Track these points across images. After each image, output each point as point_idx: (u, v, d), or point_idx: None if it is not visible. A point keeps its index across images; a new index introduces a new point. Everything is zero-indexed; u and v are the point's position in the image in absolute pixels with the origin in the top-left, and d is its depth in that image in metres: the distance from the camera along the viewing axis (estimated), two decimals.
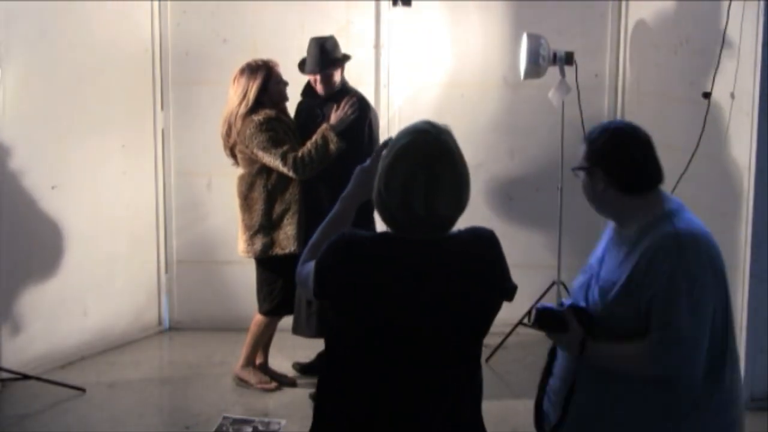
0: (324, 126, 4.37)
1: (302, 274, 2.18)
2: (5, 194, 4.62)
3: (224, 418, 4.30)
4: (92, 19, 5.08)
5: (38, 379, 4.63)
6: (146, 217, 5.55)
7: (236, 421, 4.28)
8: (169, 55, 5.49)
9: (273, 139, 4.32)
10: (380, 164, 2.06)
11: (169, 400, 4.61)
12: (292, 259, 4.43)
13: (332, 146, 4.32)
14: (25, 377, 4.61)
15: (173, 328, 5.68)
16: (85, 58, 5.05)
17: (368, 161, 2.27)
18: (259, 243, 4.44)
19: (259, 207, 4.43)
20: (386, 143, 2.16)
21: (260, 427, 4.24)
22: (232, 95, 4.43)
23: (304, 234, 4.38)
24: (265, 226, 4.42)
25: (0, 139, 4.58)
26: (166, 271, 5.67)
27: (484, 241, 2.07)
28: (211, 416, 4.37)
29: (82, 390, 4.62)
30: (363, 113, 4.47)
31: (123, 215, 5.36)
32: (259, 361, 4.70)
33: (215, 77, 5.34)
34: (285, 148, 4.32)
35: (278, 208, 4.42)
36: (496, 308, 2.07)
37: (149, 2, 5.42)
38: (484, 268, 2.05)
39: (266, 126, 4.33)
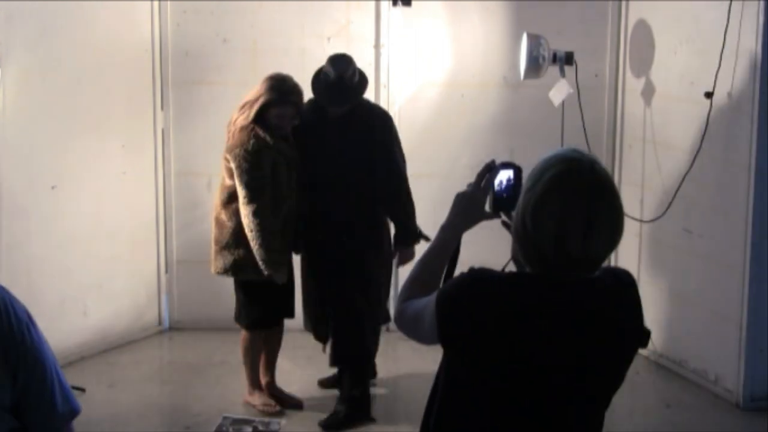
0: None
1: (407, 314, 1.93)
2: (5, 194, 4.62)
3: (224, 418, 4.30)
4: (92, 19, 5.08)
5: None
6: (146, 217, 5.54)
7: (236, 421, 4.27)
8: (169, 55, 5.49)
9: (252, 176, 4.02)
10: (523, 195, 1.79)
11: (169, 400, 4.61)
12: (265, 280, 4.16)
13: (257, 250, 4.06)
14: None
15: (173, 328, 5.68)
16: (85, 58, 5.05)
17: (468, 187, 2.01)
18: (219, 261, 4.21)
19: (230, 225, 4.17)
20: (490, 166, 1.98)
21: (260, 427, 4.23)
22: (246, 96, 4.14)
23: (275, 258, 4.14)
24: (228, 245, 4.18)
25: (0, 139, 4.58)
26: (166, 271, 5.67)
27: (625, 284, 1.85)
28: (211, 416, 4.37)
29: (82, 390, 4.61)
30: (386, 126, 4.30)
31: (123, 215, 5.36)
32: (265, 380, 4.49)
33: (215, 77, 5.34)
34: (252, 194, 4.02)
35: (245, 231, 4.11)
36: (633, 359, 1.87)
37: (149, 2, 5.42)
38: (626, 316, 1.83)
39: (253, 157, 4.02)
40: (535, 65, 4.92)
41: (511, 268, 1.85)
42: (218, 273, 4.27)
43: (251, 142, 4.04)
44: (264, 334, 4.40)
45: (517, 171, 1.97)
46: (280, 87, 4.08)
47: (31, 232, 4.82)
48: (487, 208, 2.00)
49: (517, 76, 5.11)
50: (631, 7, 5.33)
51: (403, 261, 4.33)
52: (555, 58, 4.93)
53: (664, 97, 5.03)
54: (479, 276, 1.79)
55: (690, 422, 4.47)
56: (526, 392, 1.78)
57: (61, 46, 4.91)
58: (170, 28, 5.47)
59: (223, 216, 4.21)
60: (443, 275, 2.00)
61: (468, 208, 1.99)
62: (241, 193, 4.07)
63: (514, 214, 1.84)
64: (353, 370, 4.30)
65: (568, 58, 4.97)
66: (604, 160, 5.43)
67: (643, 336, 1.86)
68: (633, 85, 5.31)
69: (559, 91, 4.98)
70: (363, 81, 4.22)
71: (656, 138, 5.11)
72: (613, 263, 5.33)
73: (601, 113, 5.46)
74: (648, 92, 5.15)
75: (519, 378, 1.78)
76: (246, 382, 4.47)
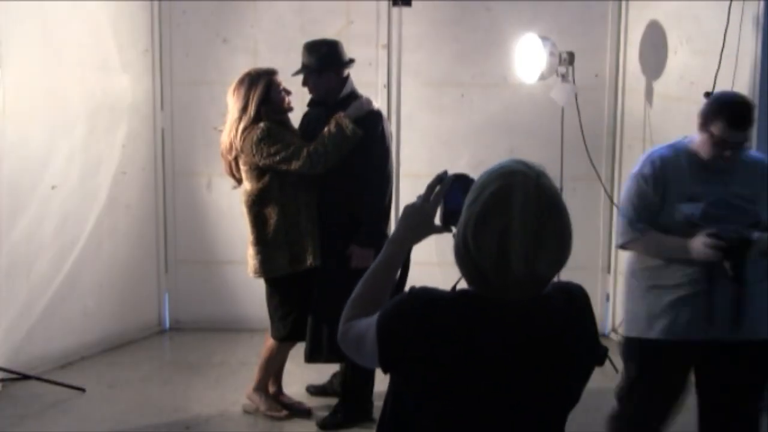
0: (338, 114, 4.06)
1: (350, 336, 1.82)
2: (5, 194, 4.62)
3: None
4: (92, 19, 5.08)
5: (38, 379, 4.63)
6: (146, 217, 5.55)
7: None
8: (169, 55, 5.50)
9: (281, 142, 4.02)
10: (465, 211, 1.68)
11: (169, 400, 4.61)
12: (306, 277, 4.15)
13: (347, 132, 3.99)
14: (25, 377, 4.62)
15: (173, 328, 5.68)
16: (86, 58, 5.06)
17: (418, 199, 1.89)
18: (271, 261, 4.12)
19: (272, 222, 4.11)
20: (441, 177, 1.86)
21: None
22: (232, 107, 4.12)
23: (319, 248, 4.12)
24: (277, 242, 4.11)
25: (0, 139, 4.58)
26: (166, 271, 5.68)
27: (577, 300, 1.77)
28: (211, 416, 4.38)
29: (82, 390, 4.62)
30: (375, 123, 4.14)
31: (123, 215, 5.37)
32: (272, 389, 4.46)
33: (215, 77, 5.35)
34: (294, 147, 4.03)
35: (292, 223, 4.11)
36: (588, 377, 1.78)
37: (149, 2, 5.43)
38: (579, 333, 1.74)
39: (271, 131, 4.03)
40: (546, 67, 4.90)
41: (463, 284, 1.73)
42: (268, 275, 4.16)
43: (264, 124, 4.04)
44: (290, 345, 4.35)
45: (470, 183, 1.82)
46: (257, 76, 4.11)
47: (31, 232, 4.83)
48: (437, 221, 1.87)
49: (518, 77, 5.11)
50: (631, 7, 5.33)
51: (356, 262, 4.05)
52: (560, 59, 4.93)
53: (664, 97, 5.03)
54: (419, 296, 1.70)
55: (690, 422, 4.46)
56: (472, 416, 1.69)
57: (61, 46, 4.92)
58: (170, 28, 5.48)
59: (264, 215, 4.11)
60: (390, 292, 1.88)
61: (417, 221, 1.86)
62: (287, 159, 4.01)
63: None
64: (354, 369, 4.26)
65: (571, 59, 4.98)
66: (604, 160, 5.44)
67: (599, 354, 1.79)
68: (633, 85, 5.31)
69: (564, 91, 4.97)
70: (308, 59, 4.19)
71: (656, 138, 5.10)
72: (612, 265, 5.33)
73: (601, 113, 5.46)
74: (648, 92, 5.15)
75: (464, 402, 1.68)
76: (252, 380, 4.42)
